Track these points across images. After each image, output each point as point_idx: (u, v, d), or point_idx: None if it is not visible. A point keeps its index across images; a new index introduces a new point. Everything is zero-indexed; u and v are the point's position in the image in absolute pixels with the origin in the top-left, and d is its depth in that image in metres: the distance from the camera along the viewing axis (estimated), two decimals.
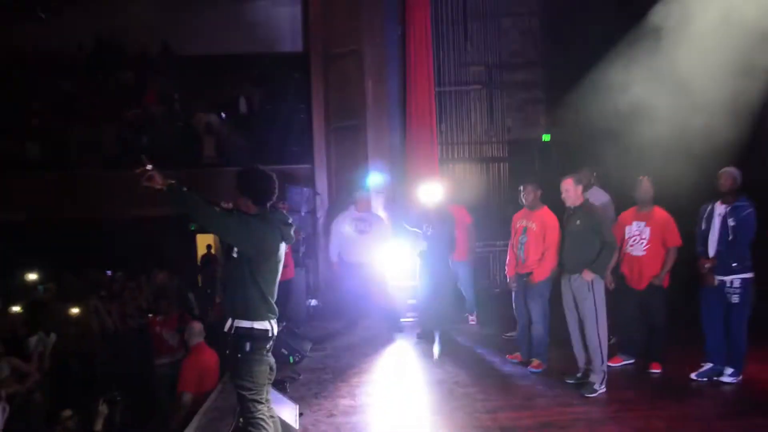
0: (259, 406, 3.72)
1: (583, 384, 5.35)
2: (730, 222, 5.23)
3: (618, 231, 5.80)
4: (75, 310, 7.11)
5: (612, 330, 6.43)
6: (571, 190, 5.44)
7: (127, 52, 16.74)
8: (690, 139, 6.75)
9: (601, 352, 5.27)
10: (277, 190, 3.79)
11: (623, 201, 6.30)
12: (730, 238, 5.22)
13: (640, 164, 7.03)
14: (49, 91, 15.22)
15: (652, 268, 5.71)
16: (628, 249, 5.79)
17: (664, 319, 5.76)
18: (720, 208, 5.34)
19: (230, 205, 3.80)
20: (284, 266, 7.58)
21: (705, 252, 5.40)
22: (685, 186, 6.43)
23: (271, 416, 3.87)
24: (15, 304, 7.34)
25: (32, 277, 10.24)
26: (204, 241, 13.91)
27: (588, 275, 5.26)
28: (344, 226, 7.61)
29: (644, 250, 5.70)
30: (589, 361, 5.37)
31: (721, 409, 4.87)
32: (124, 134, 13.36)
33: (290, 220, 3.85)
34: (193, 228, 13.05)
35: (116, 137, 13.27)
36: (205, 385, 5.92)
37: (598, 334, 5.26)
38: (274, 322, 3.76)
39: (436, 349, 6.81)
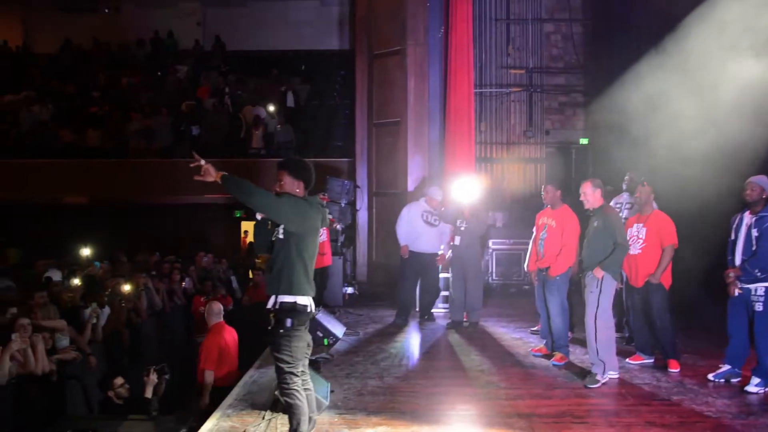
0: (295, 379, 3.97)
1: (587, 375, 5.55)
2: (754, 232, 5.23)
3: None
4: (127, 287, 7.49)
5: (628, 329, 6.61)
6: (589, 194, 5.65)
7: (181, 48, 17.35)
8: (724, 146, 6.78)
9: (598, 345, 5.43)
10: (310, 176, 4.09)
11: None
12: (754, 248, 5.22)
13: (671, 170, 7.10)
14: (110, 83, 15.88)
15: (648, 266, 5.84)
16: (629, 249, 5.89)
17: (665, 317, 5.83)
18: (747, 218, 5.34)
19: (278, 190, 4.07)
20: (322, 254, 7.95)
21: (732, 261, 5.42)
22: (723, 195, 6.48)
23: (306, 389, 4.11)
24: (75, 277, 7.77)
25: (90, 254, 10.75)
26: (248, 228, 14.32)
27: (599, 272, 5.46)
28: (415, 216, 7.77)
29: (640, 249, 5.86)
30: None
31: (734, 408, 4.90)
32: (178, 125, 13.84)
33: (324, 205, 4.13)
34: (238, 215, 13.53)
35: (170, 127, 13.75)
36: (225, 363, 6.19)
37: (596, 327, 5.44)
38: (312, 299, 4.01)
39: (464, 338, 7.00)
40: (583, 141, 11.74)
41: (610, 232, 5.50)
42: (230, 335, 6.50)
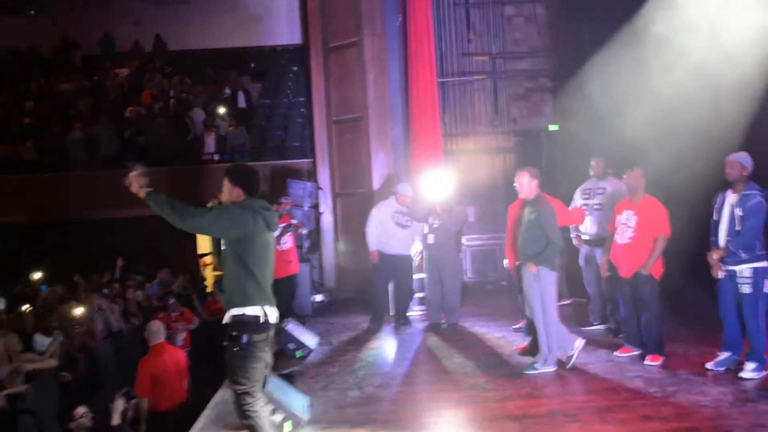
0: (251, 399, 3.82)
1: (529, 364, 5.80)
2: (738, 212, 5.28)
3: (612, 221, 6.11)
4: (80, 310, 7.29)
5: (618, 320, 6.68)
6: (525, 184, 5.82)
7: (119, 50, 17.01)
8: (700, 127, 6.90)
9: (547, 338, 5.69)
10: (257, 183, 4.05)
11: None
12: (737, 228, 5.27)
13: (645, 153, 7.20)
14: (44, 91, 15.47)
15: (637, 257, 5.80)
16: (616, 237, 5.95)
17: (655, 309, 5.83)
18: (731, 197, 5.39)
19: (216, 201, 4.03)
20: (288, 262, 7.83)
21: (716, 242, 5.47)
22: (698, 176, 6.59)
23: (270, 413, 3.97)
24: (23, 304, 7.53)
25: (37, 277, 10.45)
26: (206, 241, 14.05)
27: (532, 268, 5.68)
28: (385, 217, 7.70)
29: (629, 239, 5.82)
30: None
31: (731, 396, 4.95)
32: (123, 132, 13.55)
33: (269, 207, 3.99)
34: None
35: (114, 136, 13.44)
36: (165, 387, 6.13)
37: (543, 321, 5.70)
38: (269, 309, 3.89)
39: (443, 340, 6.99)
40: (553, 127, 11.83)
41: (543, 227, 5.69)
42: (172, 357, 6.40)
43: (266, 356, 3.93)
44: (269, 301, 3.91)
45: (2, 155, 13.36)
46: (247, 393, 3.83)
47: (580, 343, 5.81)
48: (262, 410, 3.86)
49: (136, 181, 3.71)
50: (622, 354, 6.04)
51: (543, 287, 5.72)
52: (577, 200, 7.05)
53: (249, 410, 3.81)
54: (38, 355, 6.36)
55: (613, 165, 7.02)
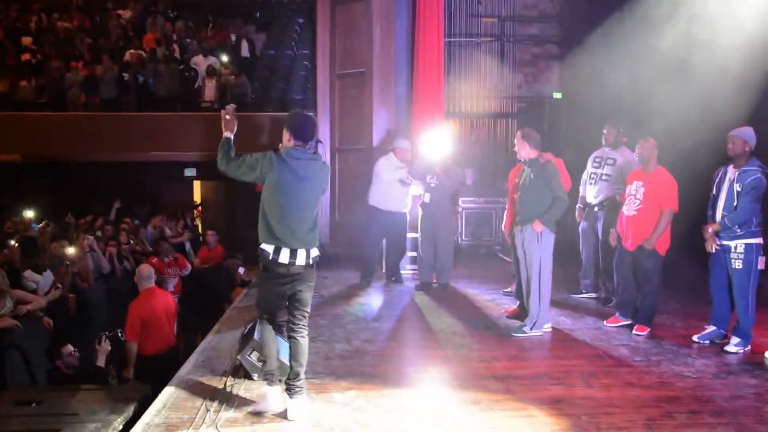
0: (264, 321, 4.36)
1: (518, 327, 5.87)
2: (737, 187, 5.25)
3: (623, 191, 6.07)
4: (71, 249, 7.29)
5: (609, 290, 6.72)
6: (518, 144, 5.87)
7: None
8: (707, 99, 6.84)
9: (540, 301, 5.75)
10: (309, 130, 4.26)
11: None
12: (735, 203, 5.26)
13: (649, 124, 7.15)
14: (44, 28, 15.23)
15: (642, 229, 5.75)
16: (624, 208, 5.92)
17: (655, 283, 5.82)
18: (731, 173, 5.37)
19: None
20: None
21: (713, 217, 5.46)
22: (701, 149, 6.55)
23: (292, 337, 4.27)
24: (11, 239, 7.52)
25: (29, 215, 10.43)
26: (203, 189, 14.06)
27: (538, 226, 5.67)
28: (388, 173, 7.64)
29: (635, 210, 5.78)
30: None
31: (714, 368, 5.01)
32: (123, 76, 13.39)
33: (308, 155, 4.21)
34: (189, 174, 13.27)
35: (114, 78, 13.29)
36: (153, 331, 6.19)
37: (539, 283, 5.74)
38: (284, 251, 4.09)
39: (433, 300, 7.03)
40: (557, 95, 11.75)
41: (549, 184, 5.70)
42: (161, 301, 6.45)
43: (278, 290, 4.20)
44: (282, 241, 4.10)
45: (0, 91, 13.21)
46: (260, 316, 4.39)
47: (548, 327, 5.91)
48: (270, 331, 4.36)
49: (226, 121, 4.13)
50: (612, 324, 6.06)
51: (543, 249, 5.72)
52: (588, 167, 7.00)
53: (260, 324, 4.42)
54: (28, 293, 6.35)
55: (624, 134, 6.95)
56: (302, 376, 4.17)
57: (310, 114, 4.61)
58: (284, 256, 4.09)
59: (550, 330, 5.90)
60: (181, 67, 13.59)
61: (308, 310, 4.31)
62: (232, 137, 4.12)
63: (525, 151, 5.85)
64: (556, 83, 11.91)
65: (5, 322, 5.77)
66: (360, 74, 10.21)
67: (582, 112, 9.59)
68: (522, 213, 5.85)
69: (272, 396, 4.19)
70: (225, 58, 13.63)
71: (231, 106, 4.22)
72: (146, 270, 6.49)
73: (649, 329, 5.82)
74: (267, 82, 13.58)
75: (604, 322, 6.11)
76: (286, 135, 4.21)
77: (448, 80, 11.28)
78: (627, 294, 6.03)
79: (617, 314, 6.11)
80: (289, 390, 4.12)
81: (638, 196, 5.78)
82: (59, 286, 6.57)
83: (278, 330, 4.51)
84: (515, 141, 6.00)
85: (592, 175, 6.88)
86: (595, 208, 6.84)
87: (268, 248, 4.10)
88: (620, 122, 7.03)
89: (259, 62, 14.34)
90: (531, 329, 5.77)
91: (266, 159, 4.08)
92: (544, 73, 12.16)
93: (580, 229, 7.11)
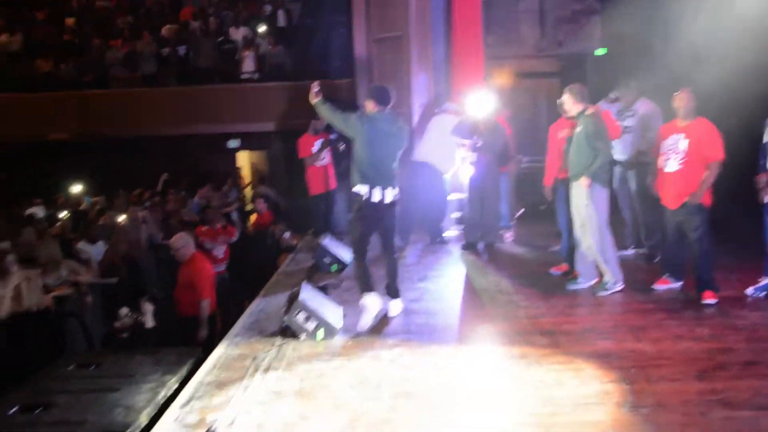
0: (356, 264, 5.34)
1: (598, 285, 5.72)
2: None
3: (656, 146, 5.69)
4: (122, 219, 7.47)
5: (651, 246, 6.58)
6: (566, 100, 5.75)
7: None
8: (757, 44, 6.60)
9: (606, 255, 5.61)
10: (387, 97, 5.28)
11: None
12: None
13: (692, 78, 6.92)
14: (84, 7, 15.45)
15: (686, 185, 5.36)
16: (662, 164, 5.51)
17: (706, 241, 5.42)
18: None
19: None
20: (326, 177, 7.90)
21: (765, 166, 5.25)
22: (750, 96, 6.33)
23: (386, 257, 5.43)
24: (61, 211, 7.75)
25: (79, 190, 10.72)
26: (244, 159, 14.20)
27: (585, 181, 5.54)
28: (440, 132, 7.62)
29: (680, 164, 5.36)
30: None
31: None
32: (162, 50, 13.54)
33: (388, 116, 5.27)
34: (233, 145, 13.42)
35: (154, 53, 13.45)
36: (196, 295, 6.32)
37: (602, 241, 5.58)
38: (375, 190, 5.11)
39: (479, 259, 7.02)
40: (599, 52, 11.46)
41: (592, 136, 5.54)
42: (205, 266, 6.57)
43: (371, 223, 5.24)
44: (374, 184, 5.12)
45: (44, 71, 13.49)
46: (353, 256, 5.40)
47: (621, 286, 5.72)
48: (368, 268, 5.30)
49: (316, 94, 5.19)
50: (661, 286, 5.75)
51: (596, 205, 5.55)
52: None
53: (354, 256, 5.38)
54: (79, 264, 6.54)
55: (660, 90, 6.74)
56: (397, 285, 5.40)
57: (387, 86, 5.56)
58: (376, 195, 5.11)
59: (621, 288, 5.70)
60: (220, 39, 13.66)
61: (393, 238, 5.45)
62: (321, 100, 5.20)
63: (571, 105, 5.72)
64: (597, 40, 11.61)
65: (62, 291, 5.99)
66: (397, 38, 10.10)
67: (624, 70, 9.33)
68: (571, 168, 5.73)
69: (374, 302, 5.17)
70: (262, 29, 13.64)
71: (317, 83, 5.28)
72: (183, 238, 6.57)
73: (716, 293, 5.37)
74: (304, 51, 13.56)
75: (654, 285, 5.77)
76: (370, 103, 5.26)
77: (488, 41, 11.10)
78: (674, 255, 5.71)
79: (666, 275, 5.79)
80: (389, 293, 5.34)
81: (680, 149, 5.37)
82: (77, 280, 6.58)
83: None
84: (562, 98, 5.85)
85: None
86: (624, 165, 6.69)
87: (363, 189, 5.12)
88: (658, 79, 6.83)
89: (296, 31, 14.32)
90: (613, 286, 5.63)
91: (355, 118, 5.23)
92: (585, 29, 11.84)
93: (615, 181, 6.95)
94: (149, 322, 5.55)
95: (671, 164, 5.44)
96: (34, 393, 4.25)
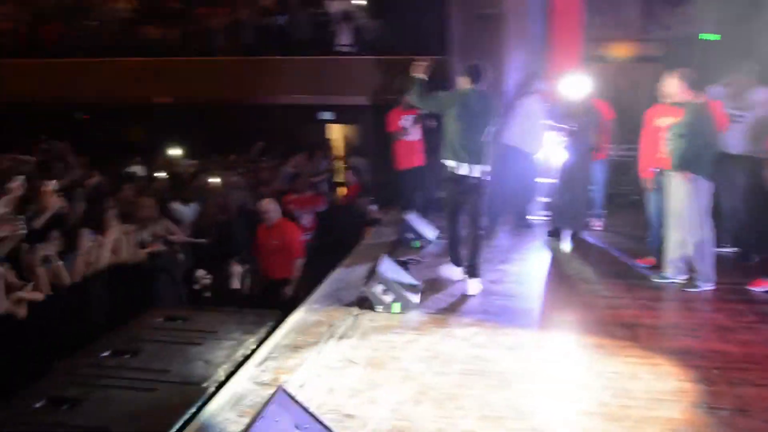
0: (447, 224, 5.77)
1: (688, 282, 5.49)
2: None
3: None
4: (216, 183, 7.76)
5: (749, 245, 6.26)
6: (674, 85, 5.43)
7: None
8: None
9: (702, 251, 5.35)
10: (481, 75, 5.47)
11: None
12: None
13: None
14: None
15: None
16: None
17: None
18: None
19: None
20: (415, 152, 7.95)
21: None
22: None
23: (472, 233, 5.52)
24: (160, 172, 8.11)
25: (177, 152, 11.21)
26: (336, 131, 14.40)
27: (687, 174, 5.27)
28: (532, 113, 7.51)
29: None
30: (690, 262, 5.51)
31: None
32: (262, 20, 13.83)
33: (475, 92, 5.42)
34: (325, 117, 13.62)
35: (254, 23, 13.77)
36: (281, 259, 6.65)
37: (698, 234, 5.33)
38: (462, 165, 5.32)
39: (565, 246, 6.90)
40: (709, 36, 10.87)
41: (699, 129, 5.25)
42: (290, 231, 6.89)
43: (457, 196, 5.47)
44: (461, 159, 5.33)
45: (153, 37, 14.07)
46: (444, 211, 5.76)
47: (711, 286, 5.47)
48: (457, 230, 5.66)
49: (420, 67, 5.48)
50: (758, 288, 5.43)
51: (697, 199, 5.32)
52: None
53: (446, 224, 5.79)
54: (173, 223, 6.86)
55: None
56: (478, 264, 5.47)
57: (481, 62, 5.61)
58: (463, 169, 5.32)
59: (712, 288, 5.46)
60: (318, 11, 13.82)
61: (481, 216, 5.50)
62: (424, 79, 5.44)
63: (680, 91, 5.41)
64: (709, 23, 11.00)
65: (156, 248, 6.32)
66: (494, 15, 9.94)
67: (740, 57, 8.83)
68: (673, 159, 5.43)
69: (454, 272, 5.62)
70: (360, 1, 13.70)
71: (425, 59, 5.55)
72: (272, 204, 6.82)
73: None
74: (400, 26, 13.54)
75: (749, 286, 5.47)
76: (464, 79, 5.46)
77: (590, 23, 10.75)
78: None
79: (764, 275, 5.49)
80: (469, 273, 5.43)
81: None
82: (170, 238, 6.84)
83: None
84: (666, 82, 5.58)
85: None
86: (732, 157, 6.19)
87: (451, 163, 5.35)
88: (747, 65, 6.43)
89: (393, 5, 14.29)
90: (704, 284, 5.42)
91: (450, 96, 5.50)
92: (696, 11, 11.24)
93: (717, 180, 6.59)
94: (235, 283, 5.79)
95: None
96: (125, 340, 4.55)
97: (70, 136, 11.78)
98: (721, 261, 5.73)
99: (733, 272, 5.88)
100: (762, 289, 5.46)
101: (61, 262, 5.12)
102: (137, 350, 4.34)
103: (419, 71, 5.48)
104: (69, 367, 4.14)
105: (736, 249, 6.52)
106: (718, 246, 6.61)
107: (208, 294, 6.03)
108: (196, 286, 6.07)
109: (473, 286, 5.39)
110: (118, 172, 9.01)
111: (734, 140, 6.24)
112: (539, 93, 7.53)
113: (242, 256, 6.19)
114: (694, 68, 9.57)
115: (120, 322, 4.93)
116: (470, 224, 5.55)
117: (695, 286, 5.42)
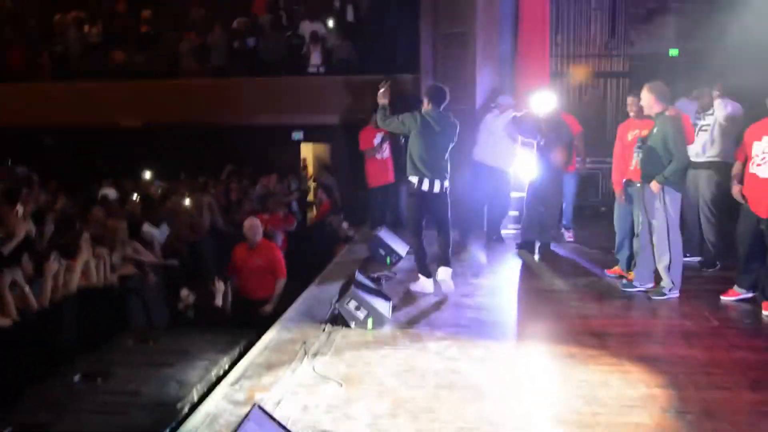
0: (412, 240, 6.04)
1: (655, 290, 5.59)
2: None
3: (745, 147, 5.41)
4: (187, 204, 7.76)
5: (715, 253, 6.42)
6: (645, 98, 5.54)
7: None
8: None
9: (671, 261, 5.46)
10: (442, 97, 5.78)
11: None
12: None
13: None
14: (163, 1, 15.98)
15: None
16: (754, 169, 5.20)
17: None
18: None
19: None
20: (385, 170, 8.03)
21: None
22: None
23: (440, 237, 5.87)
24: (132, 194, 8.09)
25: (149, 175, 11.17)
26: (308, 151, 14.45)
27: (655, 186, 5.39)
28: (496, 127, 7.66)
29: None
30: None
31: None
32: (232, 43, 13.89)
33: (437, 114, 5.76)
34: (297, 137, 13.67)
35: (225, 46, 13.81)
36: (255, 279, 6.74)
37: (669, 245, 5.44)
38: (424, 181, 5.66)
39: (535, 258, 7.00)
40: (673, 52, 11.17)
41: (670, 139, 5.36)
42: (268, 252, 6.93)
43: (423, 209, 5.81)
44: (424, 175, 5.67)
45: (119, 62, 14.03)
46: (411, 239, 6.06)
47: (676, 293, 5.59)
48: (423, 244, 5.88)
49: (381, 93, 5.81)
50: (728, 297, 5.49)
51: (668, 210, 5.42)
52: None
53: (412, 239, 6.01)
54: (143, 245, 6.83)
55: (742, 92, 6.54)
56: (450, 257, 5.83)
57: (443, 85, 5.96)
58: (426, 185, 5.64)
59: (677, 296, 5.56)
60: (289, 33, 13.92)
61: (447, 221, 5.85)
62: (386, 104, 5.78)
63: (650, 104, 5.51)
64: (671, 40, 11.30)
65: (127, 270, 6.28)
66: (463, 34, 10.12)
67: (702, 71, 9.08)
68: (644, 170, 5.57)
69: (426, 285, 5.81)
70: (331, 24, 13.83)
71: (386, 83, 5.84)
72: (254, 226, 6.84)
73: None
74: (370, 46, 13.68)
75: (722, 296, 5.52)
76: (425, 101, 5.81)
77: (556, 40, 10.99)
78: (753, 266, 5.37)
79: (736, 287, 5.49)
80: (440, 263, 5.76)
81: None
82: (141, 260, 6.80)
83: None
84: (634, 97, 5.89)
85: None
86: (698, 167, 6.40)
87: (414, 179, 5.69)
88: (737, 80, 6.63)
89: (363, 26, 14.45)
90: (669, 291, 5.51)
91: (412, 117, 5.68)
92: (660, 29, 11.54)
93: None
94: (219, 301, 5.80)
95: (764, 169, 5.12)
96: (96, 363, 4.52)
97: (38, 160, 11.70)
98: (685, 268, 5.87)
99: (697, 279, 6.07)
100: (734, 298, 5.52)
101: (27, 288, 5.07)
102: (108, 373, 4.32)
103: (380, 98, 5.81)
104: (39, 393, 4.10)
105: (699, 258, 6.68)
106: (684, 255, 6.81)
107: (191, 314, 6.02)
108: (180, 306, 6.04)
109: (443, 273, 5.72)
110: (87, 196, 8.94)
111: (700, 149, 6.46)
112: (502, 108, 7.63)
113: (215, 276, 6.17)
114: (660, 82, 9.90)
115: (91, 345, 4.89)
116: (438, 229, 5.89)
117: (662, 294, 5.54)
